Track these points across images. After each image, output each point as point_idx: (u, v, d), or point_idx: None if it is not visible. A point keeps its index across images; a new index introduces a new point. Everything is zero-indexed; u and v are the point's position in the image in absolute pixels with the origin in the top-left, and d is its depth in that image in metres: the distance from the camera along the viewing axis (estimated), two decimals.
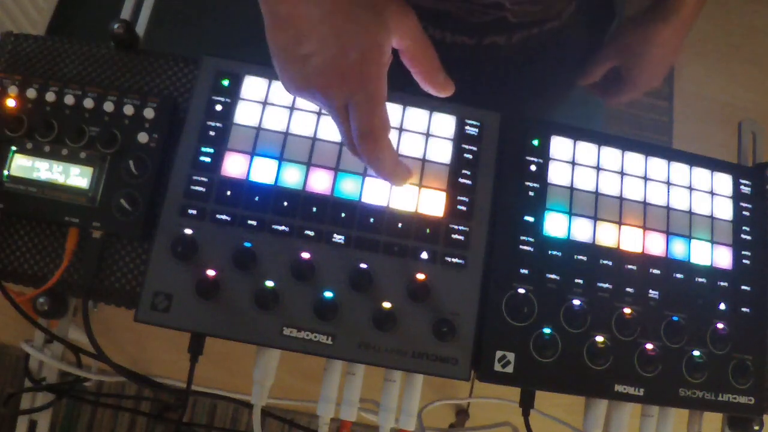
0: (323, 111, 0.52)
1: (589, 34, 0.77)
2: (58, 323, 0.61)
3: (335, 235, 0.51)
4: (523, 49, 0.69)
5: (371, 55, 0.42)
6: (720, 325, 0.54)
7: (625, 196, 0.55)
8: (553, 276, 0.52)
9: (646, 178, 0.56)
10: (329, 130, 0.53)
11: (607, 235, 0.54)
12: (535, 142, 0.55)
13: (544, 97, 0.81)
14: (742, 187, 0.58)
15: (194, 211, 0.50)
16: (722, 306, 0.54)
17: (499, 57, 0.70)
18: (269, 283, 0.49)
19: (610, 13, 0.82)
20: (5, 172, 0.51)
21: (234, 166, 0.51)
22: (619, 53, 0.75)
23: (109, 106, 0.52)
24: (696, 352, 0.53)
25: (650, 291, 0.53)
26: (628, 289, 0.53)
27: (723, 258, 0.56)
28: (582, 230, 0.54)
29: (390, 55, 0.44)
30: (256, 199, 0.51)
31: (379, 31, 0.42)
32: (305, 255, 0.50)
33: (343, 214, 0.51)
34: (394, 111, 0.54)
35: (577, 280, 0.52)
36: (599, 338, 0.51)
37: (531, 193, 0.54)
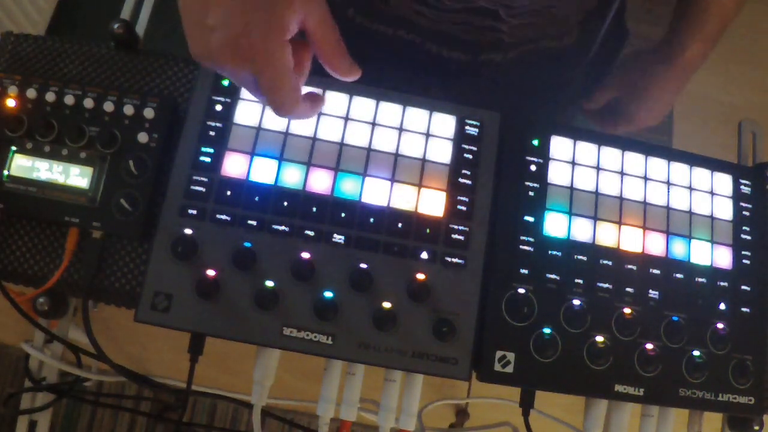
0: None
1: (600, 54, 0.77)
2: (58, 323, 0.61)
3: (335, 235, 0.51)
4: (520, 64, 0.69)
5: (274, 34, 0.41)
6: (720, 325, 0.54)
7: (625, 196, 0.55)
8: (553, 276, 0.52)
9: (646, 178, 0.56)
10: (329, 130, 0.53)
11: (607, 235, 0.54)
12: (535, 142, 0.55)
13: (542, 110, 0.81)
14: (742, 187, 0.58)
15: (194, 211, 0.50)
16: (722, 306, 0.54)
17: (497, 71, 0.70)
18: (269, 283, 0.49)
19: (623, 32, 0.81)
20: (5, 172, 0.51)
21: (234, 166, 0.51)
22: (621, 85, 0.75)
23: (109, 106, 0.52)
24: (696, 352, 0.53)
25: (650, 291, 0.53)
26: (628, 289, 0.53)
27: (723, 258, 0.56)
28: (582, 230, 0.54)
29: (294, 32, 0.43)
30: (256, 199, 0.51)
31: (284, 10, 0.42)
32: (305, 255, 0.50)
33: (343, 214, 0.51)
34: (394, 111, 0.54)
35: (577, 280, 0.52)
36: (599, 338, 0.51)
37: (531, 193, 0.54)
